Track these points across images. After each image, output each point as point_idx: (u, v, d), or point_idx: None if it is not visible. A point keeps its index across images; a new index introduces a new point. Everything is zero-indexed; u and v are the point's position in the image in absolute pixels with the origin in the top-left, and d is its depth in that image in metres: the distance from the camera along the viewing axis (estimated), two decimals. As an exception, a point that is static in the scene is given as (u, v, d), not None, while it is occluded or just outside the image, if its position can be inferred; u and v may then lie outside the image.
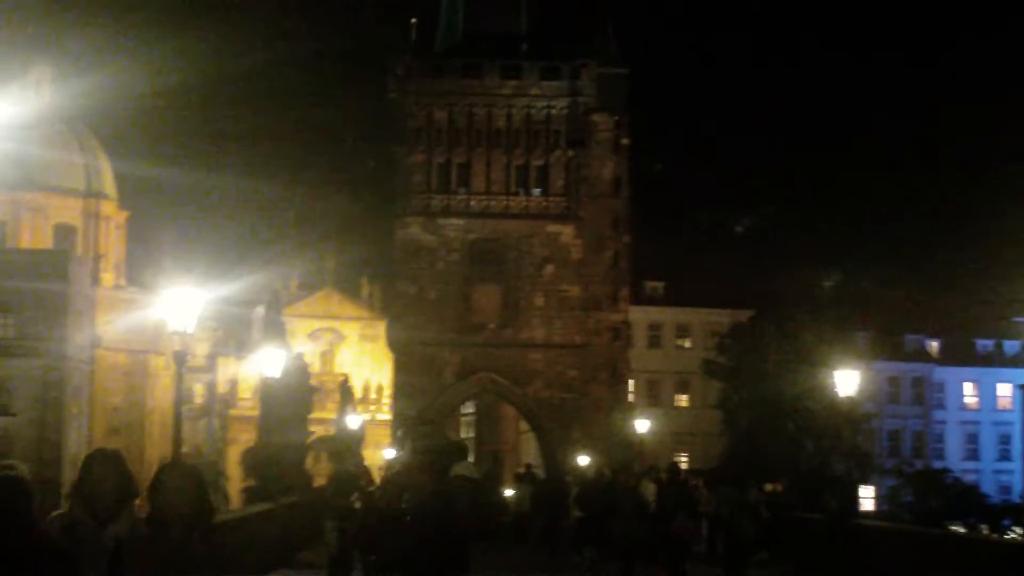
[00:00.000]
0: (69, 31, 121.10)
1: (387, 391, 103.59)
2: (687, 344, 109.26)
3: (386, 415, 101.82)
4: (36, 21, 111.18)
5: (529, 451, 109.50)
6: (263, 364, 43.66)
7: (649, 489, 34.98)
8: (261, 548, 32.13)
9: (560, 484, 43.62)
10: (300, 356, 69.27)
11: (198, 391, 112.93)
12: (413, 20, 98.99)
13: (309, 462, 67.53)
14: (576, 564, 31.86)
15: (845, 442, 75.01)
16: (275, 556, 32.22)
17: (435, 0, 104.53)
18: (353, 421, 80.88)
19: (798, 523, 42.20)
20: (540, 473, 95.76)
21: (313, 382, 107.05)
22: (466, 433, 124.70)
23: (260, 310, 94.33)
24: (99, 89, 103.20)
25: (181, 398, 27.53)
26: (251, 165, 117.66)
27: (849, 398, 45.93)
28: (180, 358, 27.06)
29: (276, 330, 73.41)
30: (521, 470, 61.45)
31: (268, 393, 54.90)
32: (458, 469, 22.56)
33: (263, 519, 34.29)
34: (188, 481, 10.23)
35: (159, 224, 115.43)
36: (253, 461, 52.94)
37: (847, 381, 44.37)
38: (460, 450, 21.95)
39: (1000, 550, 33.04)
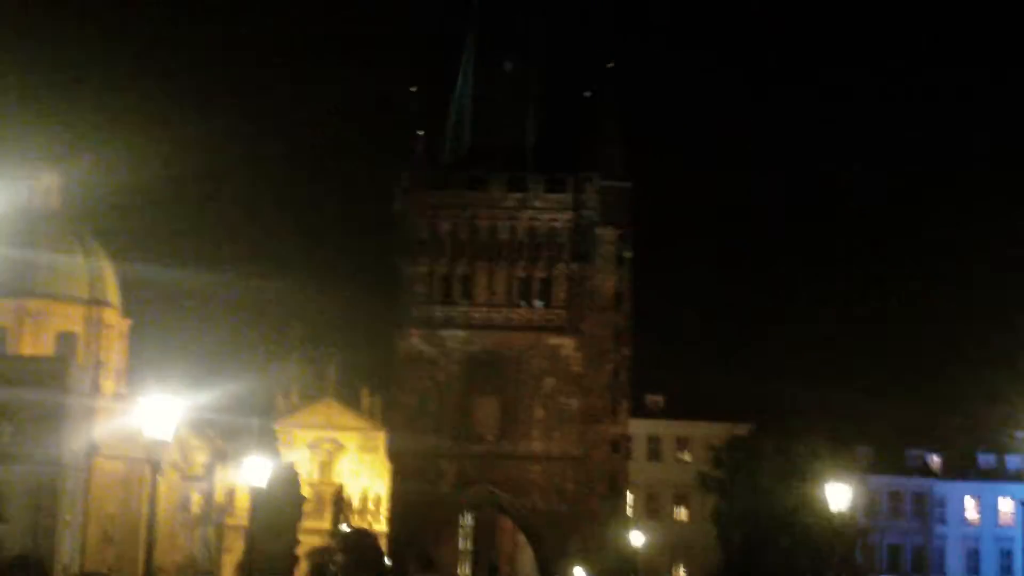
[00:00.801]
0: (78, 142, 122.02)
1: (384, 503, 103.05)
2: (687, 457, 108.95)
3: (382, 526, 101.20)
4: (44, 131, 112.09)
5: (526, 563, 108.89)
6: (249, 474, 43.53)
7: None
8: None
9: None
10: (291, 466, 68.95)
11: (195, 500, 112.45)
12: (420, 132, 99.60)
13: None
14: None
15: (839, 557, 74.44)
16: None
17: (443, 113, 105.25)
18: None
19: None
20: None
21: (311, 492, 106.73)
22: (464, 544, 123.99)
23: (255, 420, 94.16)
24: (103, 181, 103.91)
25: (153, 507, 27.48)
26: (253, 268, 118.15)
27: (843, 512, 45.63)
28: (155, 468, 27.08)
29: (268, 439, 73.17)
30: None
31: (257, 503, 54.64)
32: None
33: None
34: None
35: (161, 330, 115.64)
36: (246, 571, 52.70)
37: (838, 495, 44.20)
38: (425, 561, 21.86)
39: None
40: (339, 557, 74.03)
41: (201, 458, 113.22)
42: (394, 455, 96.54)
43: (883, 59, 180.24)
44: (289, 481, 65.10)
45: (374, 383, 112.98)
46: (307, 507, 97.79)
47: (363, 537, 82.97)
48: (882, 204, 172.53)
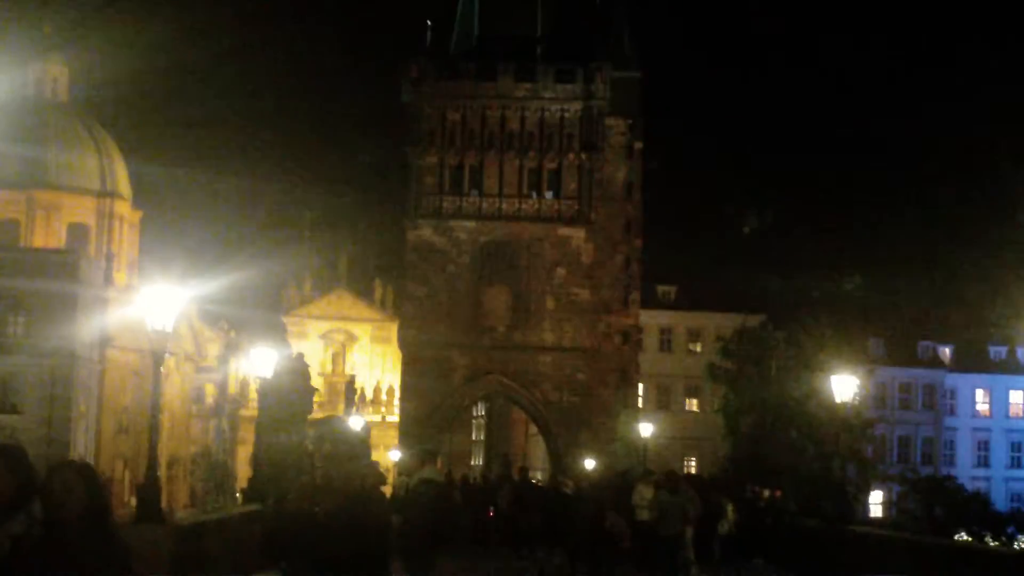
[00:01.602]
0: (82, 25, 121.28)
1: (398, 393, 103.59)
2: (698, 348, 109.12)
3: (396, 417, 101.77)
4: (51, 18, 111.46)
5: (538, 454, 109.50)
6: (255, 364, 43.56)
7: (647, 493, 35.20)
8: (243, 550, 32.02)
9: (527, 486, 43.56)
10: (300, 356, 69.05)
11: (209, 391, 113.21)
12: (428, 22, 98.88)
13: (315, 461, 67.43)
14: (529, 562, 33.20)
15: (846, 448, 74.66)
16: (257, 559, 32.05)
17: (450, 2, 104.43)
18: (356, 422, 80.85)
19: (796, 529, 42.10)
20: (539, 476, 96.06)
21: (323, 383, 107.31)
22: (476, 436, 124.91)
23: (266, 311, 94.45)
24: (109, 71, 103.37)
25: (157, 399, 27.42)
26: (261, 161, 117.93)
27: (849, 403, 45.67)
28: (158, 359, 27.03)
29: (278, 330, 73.23)
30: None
31: (265, 394, 54.79)
32: (424, 472, 22.51)
33: (247, 520, 34.14)
34: (78, 481, 10.14)
35: (173, 223, 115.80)
36: (253, 462, 52.86)
37: (844, 386, 44.20)
38: (427, 454, 21.86)
39: (997, 560, 32.87)
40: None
41: (214, 350, 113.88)
42: (405, 346, 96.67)
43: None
44: (298, 372, 65.05)
45: (386, 274, 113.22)
46: (319, 398, 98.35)
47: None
48: (883, 96, 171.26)
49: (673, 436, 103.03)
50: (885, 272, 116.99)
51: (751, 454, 74.22)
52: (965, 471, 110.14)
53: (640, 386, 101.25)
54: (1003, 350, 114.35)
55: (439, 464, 39.24)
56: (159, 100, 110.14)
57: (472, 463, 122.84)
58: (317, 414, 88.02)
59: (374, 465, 29.06)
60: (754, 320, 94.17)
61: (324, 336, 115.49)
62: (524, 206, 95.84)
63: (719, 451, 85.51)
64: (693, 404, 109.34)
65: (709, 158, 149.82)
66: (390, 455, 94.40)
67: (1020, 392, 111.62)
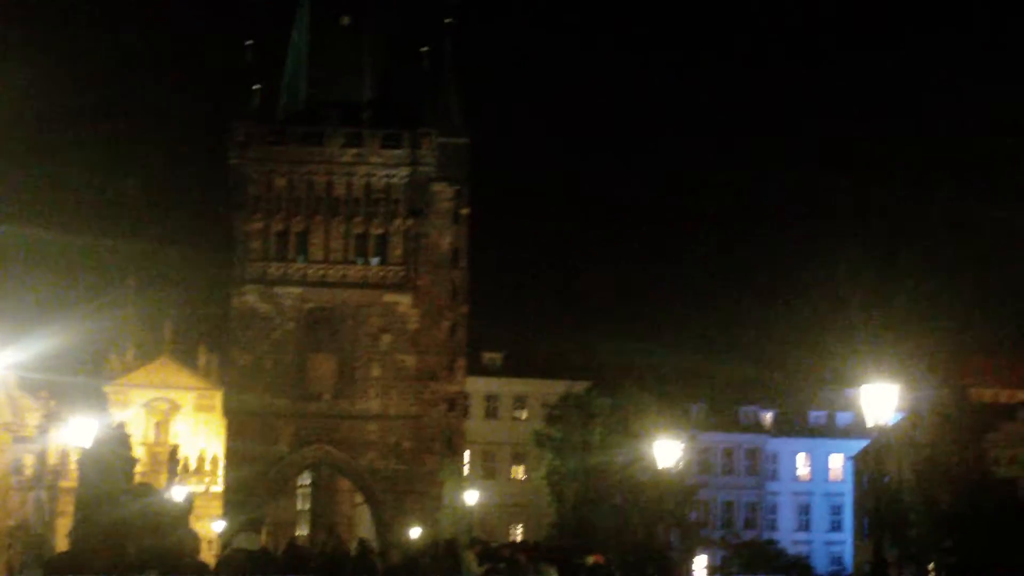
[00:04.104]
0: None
1: (222, 462, 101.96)
2: (524, 415, 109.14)
3: (219, 487, 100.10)
4: None
5: (364, 523, 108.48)
6: (75, 434, 42.62)
7: (471, 559, 35.20)
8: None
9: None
10: (121, 425, 67.72)
11: (27, 462, 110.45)
12: (256, 86, 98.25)
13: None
14: None
15: (670, 513, 75.27)
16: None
17: (279, 67, 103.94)
18: (179, 492, 79.40)
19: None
20: (375, 546, 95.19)
21: (145, 452, 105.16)
22: (302, 505, 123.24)
23: (87, 379, 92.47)
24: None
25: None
26: (83, 221, 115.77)
27: (672, 469, 45.92)
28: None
29: (100, 399, 71.79)
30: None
31: (85, 464, 53.60)
32: (238, 540, 22.08)
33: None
34: None
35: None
36: (72, 535, 51.72)
37: (667, 452, 44.47)
38: (249, 524, 21.53)
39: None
40: None
41: (34, 419, 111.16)
42: (230, 414, 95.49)
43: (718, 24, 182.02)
44: (119, 441, 63.77)
45: (211, 341, 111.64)
46: (141, 468, 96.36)
47: None
48: (709, 167, 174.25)
49: (499, 503, 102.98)
50: (707, 338, 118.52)
51: (576, 520, 74.44)
52: (787, 535, 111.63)
53: (466, 453, 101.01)
54: (823, 415, 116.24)
55: (263, 534, 38.68)
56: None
57: (297, 533, 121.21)
58: (138, 484, 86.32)
59: (192, 533, 28.53)
60: (580, 386, 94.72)
61: (147, 405, 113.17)
62: (350, 272, 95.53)
63: (545, 518, 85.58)
64: (519, 471, 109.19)
65: (538, 224, 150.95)
66: (214, 526, 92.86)
67: (840, 456, 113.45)
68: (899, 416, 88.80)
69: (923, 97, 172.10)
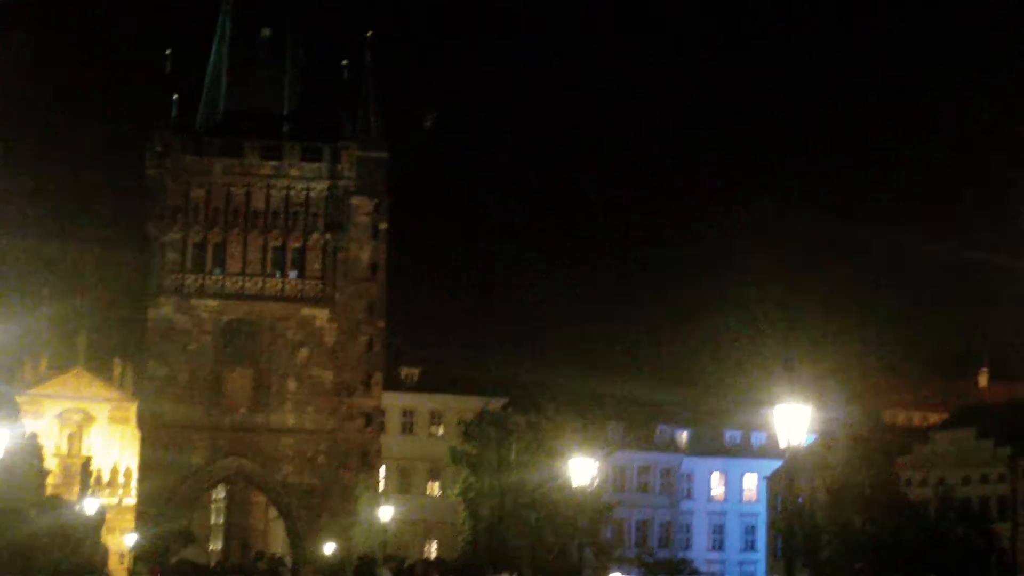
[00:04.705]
0: None
1: (136, 475, 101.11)
2: (440, 431, 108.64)
3: (132, 500, 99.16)
4: None
5: (278, 537, 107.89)
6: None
7: (386, 575, 35.14)
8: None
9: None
10: (33, 436, 66.98)
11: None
12: (175, 96, 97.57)
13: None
14: None
15: (585, 532, 75.33)
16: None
17: (199, 78, 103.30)
18: (91, 504, 78.64)
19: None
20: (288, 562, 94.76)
21: (59, 464, 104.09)
22: (216, 518, 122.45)
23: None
24: None
25: None
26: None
27: (588, 487, 45.96)
28: None
29: (11, 409, 70.90)
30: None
31: (-7, 475, 52.94)
32: (185, 553, 21.78)
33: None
34: None
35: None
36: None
37: (581, 470, 44.47)
38: (181, 536, 21.24)
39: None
40: None
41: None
42: (145, 427, 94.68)
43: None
44: (30, 452, 63.07)
45: (126, 352, 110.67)
46: (52, 480, 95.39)
47: None
48: (628, 189, 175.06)
49: (414, 520, 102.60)
50: (624, 357, 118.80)
51: (491, 538, 74.29)
52: (701, 554, 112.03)
53: (382, 469, 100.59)
54: (738, 435, 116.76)
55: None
56: None
57: (211, 547, 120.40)
58: (49, 496, 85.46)
59: (103, 547, 28.21)
60: (497, 403, 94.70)
61: (60, 415, 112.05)
62: (268, 285, 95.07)
63: (460, 535, 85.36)
64: (435, 487, 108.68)
65: (457, 240, 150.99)
66: (126, 539, 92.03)
67: (754, 476, 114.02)
68: (813, 437, 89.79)
69: (838, 118, 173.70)
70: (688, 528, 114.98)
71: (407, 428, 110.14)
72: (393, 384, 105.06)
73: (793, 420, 29.71)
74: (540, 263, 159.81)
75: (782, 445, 30.49)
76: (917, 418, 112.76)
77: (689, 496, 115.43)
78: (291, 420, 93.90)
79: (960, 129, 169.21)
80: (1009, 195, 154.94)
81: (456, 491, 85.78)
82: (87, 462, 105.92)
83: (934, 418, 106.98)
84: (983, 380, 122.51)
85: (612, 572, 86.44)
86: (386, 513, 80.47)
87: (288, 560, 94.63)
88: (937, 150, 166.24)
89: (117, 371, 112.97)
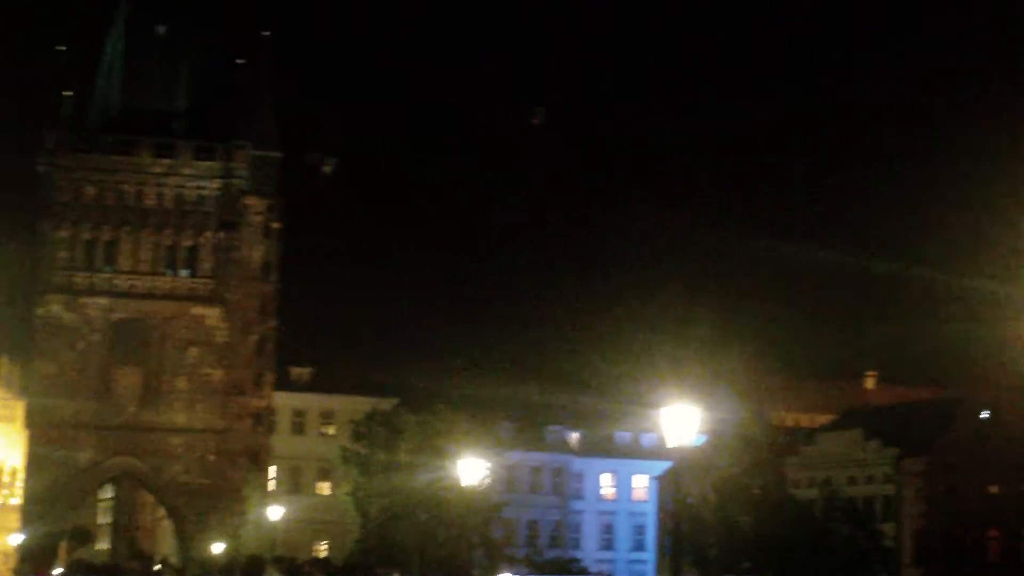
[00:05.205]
0: None
1: (22, 475, 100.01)
2: (331, 431, 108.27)
3: (18, 500, 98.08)
4: None
5: (166, 537, 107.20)
6: None
7: (274, 575, 35.19)
8: None
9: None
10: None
11: None
12: (67, 92, 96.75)
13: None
14: None
15: (475, 531, 75.68)
16: None
17: (92, 74, 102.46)
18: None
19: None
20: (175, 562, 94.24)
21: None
22: (103, 518, 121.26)
23: None
24: None
25: None
26: None
27: (478, 487, 46.24)
28: None
29: None
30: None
31: None
32: (79, 554, 21.81)
33: None
34: None
35: None
36: None
37: (471, 470, 44.78)
38: (79, 534, 21.25)
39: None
40: None
41: None
42: (32, 425, 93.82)
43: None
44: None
45: (13, 350, 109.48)
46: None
47: None
48: (526, 189, 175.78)
49: (304, 519, 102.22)
50: (515, 358, 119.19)
51: (381, 537, 74.45)
52: (591, 553, 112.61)
53: (272, 468, 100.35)
54: (628, 435, 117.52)
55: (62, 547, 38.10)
56: None
57: (98, 546, 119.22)
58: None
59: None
60: (387, 404, 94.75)
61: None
62: (158, 284, 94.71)
63: (350, 534, 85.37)
64: (325, 487, 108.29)
65: (349, 241, 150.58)
66: (10, 539, 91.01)
67: (644, 476, 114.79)
68: (701, 438, 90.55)
69: (744, 127, 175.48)
70: (578, 528, 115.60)
71: (298, 428, 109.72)
72: (284, 384, 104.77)
73: (682, 421, 30.08)
74: (433, 265, 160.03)
75: (670, 446, 30.89)
76: (805, 420, 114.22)
77: (579, 496, 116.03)
78: (181, 419, 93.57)
79: (839, 143, 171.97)
80: (897, 201, 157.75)
81: (346, 491, 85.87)
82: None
83: (822, 420, 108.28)
84: (870, 383, 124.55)
85: (502, 572, 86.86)
86: (276, 513, 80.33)
87: (174, 560, 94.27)
88: (835, 158, 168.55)
89: (4, 369, 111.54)
